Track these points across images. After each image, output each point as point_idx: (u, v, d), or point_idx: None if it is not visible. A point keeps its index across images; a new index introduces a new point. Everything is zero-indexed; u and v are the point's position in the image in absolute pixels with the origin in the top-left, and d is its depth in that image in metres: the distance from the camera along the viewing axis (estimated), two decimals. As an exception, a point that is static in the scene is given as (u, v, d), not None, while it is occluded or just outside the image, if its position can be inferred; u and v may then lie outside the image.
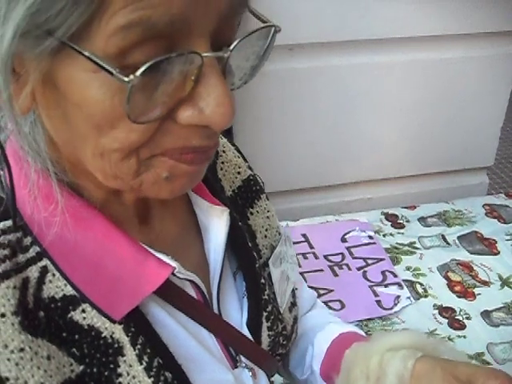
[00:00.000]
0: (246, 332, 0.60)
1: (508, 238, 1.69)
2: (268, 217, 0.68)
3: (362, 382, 0.59)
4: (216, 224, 0.58)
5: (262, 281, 0.64)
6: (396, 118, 1.98)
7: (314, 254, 1.63)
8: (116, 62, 0.36)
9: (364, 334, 0.74)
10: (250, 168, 0.69)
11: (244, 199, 0.66)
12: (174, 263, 0.49)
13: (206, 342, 0.55)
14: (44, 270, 0.45)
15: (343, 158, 2.00)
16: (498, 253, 1.63)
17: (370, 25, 1.74)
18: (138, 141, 0.39)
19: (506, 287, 1.50)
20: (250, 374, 0.60)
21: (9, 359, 0.41)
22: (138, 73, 0.35)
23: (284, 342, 0.68)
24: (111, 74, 0.35)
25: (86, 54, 0.35)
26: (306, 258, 1.61)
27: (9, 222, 0.44)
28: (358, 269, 1.57)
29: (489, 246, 1.65)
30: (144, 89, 0.37)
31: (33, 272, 0.44)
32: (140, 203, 0.53)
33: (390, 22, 1.75)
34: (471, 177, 2.20)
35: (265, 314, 0.63)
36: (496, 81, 1.99)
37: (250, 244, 0.63)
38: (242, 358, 0.59)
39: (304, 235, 1.71)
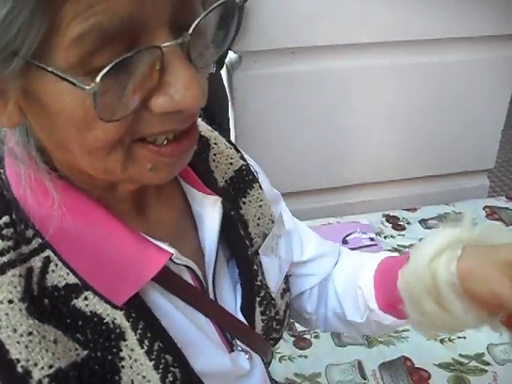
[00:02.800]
0: (240, 317, 0.62)
1: (508, 240, 1.70)
2: (261, 205, 0.69)
3: (426, 299, 0.59)
4: (210, 213, 0.60)
5: (255, 267, 0.65)
6: (398, 121, 1.99)
7: (315, 255, 1.65)
8: (80, 69, 0.37)
9: (393, 254, 0.76)
10: (242, 158, 0.71)
11: (236, 189, 0.67)
12: (171, 249, 0.51)
13: (203, 326, 0.57)
14: (47, 261, 0.47)
15: (345, 160, 2.02)
16: (499, 255, 1.64)
17: (372, 28, 1.76)
18: (116, 135, 0.41)
19: (506, 289, 1.51)
20: (247, 356, 0.62)
21: (18, 342, 0.43)
22: (98, 79, 0.37)
23: (277, 327, 0.70)
24: (74, 84, 0.37)
25: (49, 69, 0.37)
26: (307, 259, 1.62)
27: (9, 217, 0.46)
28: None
29: (489, 248, 1.66)
30: (110, 90, 0.38)
31: (36, 262, 0.46)
32: (135, 195, 0.55)
33: (392, 26, 1.77)
34: (472, 179, 2.21)
35: (258, 299, 0.65)
36: (497, 84, 2.01)
37: (242, 232, 0.65)
38: (238, 342, 0.61)
39: (306, 237, 1.72)
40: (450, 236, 0.60)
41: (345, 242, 1.70)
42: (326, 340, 1.35)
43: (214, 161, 0.66)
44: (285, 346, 1.35)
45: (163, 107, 0.41)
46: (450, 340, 1.35)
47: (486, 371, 1.27)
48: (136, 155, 0.44)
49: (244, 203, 0.67)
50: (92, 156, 0.43)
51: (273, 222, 0.70)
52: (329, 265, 0.80)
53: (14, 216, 0.46)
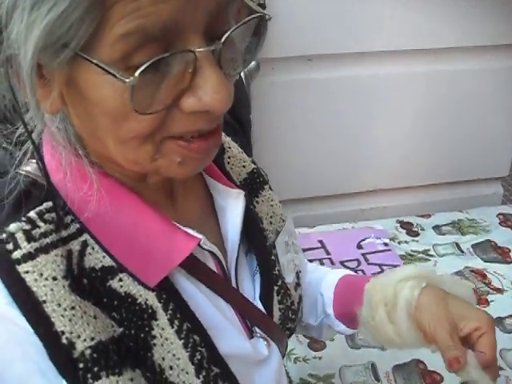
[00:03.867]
0: (259, 306, 0.66)
1: (521, 247, 1.71)
2: (272, 205, 0.73)
3: (382, 307, 0.70)
4: (233, 206, 0.63)
5: (272, 258, 0.69)
6: (412, 128, 2.01)
7: (330, 259, 1.67)
8: (122, 64, 0.41)
9: (352, 273, 0.88)
10: (253, 162, 0.75)
11: (250, 190, 0.71)
12: (199, 235, 0.55)
13: (225, 312, 0.60)
14: (84, 244, 0.50)
15: (360, 166, 2.04)
16: (512, 261, 1.66)
17: (387, 37, 1.79)
18: (149, 128, 0.45)
19: (519, 294, 1.53)
20: (265, 343, 0.65)
21: (63, 316, 0.46)
22: (136, 74, 0.41)
23: (293, 317, 0.73)
24: (115, 76, 0.41)
25: (94, 61, 0.41)
26: (322, 263, 1.65)
27: (50, 203, 0.50)
28: (373, 275, 1.59)
29: (502, 255, 1.68)
30: (146, 85, 0.42)
31: (74, 246, 0.50)
32: (165, 185, 0.58)
33: (406, 34, 1.80)
34: (486, 187, 2.22)
35: (275, 288, 0.68)
36: (510, 90, 2.02)
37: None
38: (257, 330, 0.65)
39: (320, 241, 1.75)
40: (420, 270, 0.73)
41: (359, 246, 1.73)
42: (340, 342, 1.37)
43: (228, 163, 0.71)
44: (300, 348, 1.37)
45: (192, 107, 0.45)
46: (463, 344, 1.36)
47: (499, 376, 1.28)
48: (166, 149, 0.48)
49: (257, 202, 0.72)
50: (125, 146, 0.47)
51: (283, 220, 0.75)
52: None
53: (52, 202, 0.50)
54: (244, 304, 0.63)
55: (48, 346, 0.45)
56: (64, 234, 0.50)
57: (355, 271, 1.62)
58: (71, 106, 0.48)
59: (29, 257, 0.47)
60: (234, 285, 0.63)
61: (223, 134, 0.72)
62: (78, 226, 0.51)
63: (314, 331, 0.89)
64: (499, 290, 1.55)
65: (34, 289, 0.46)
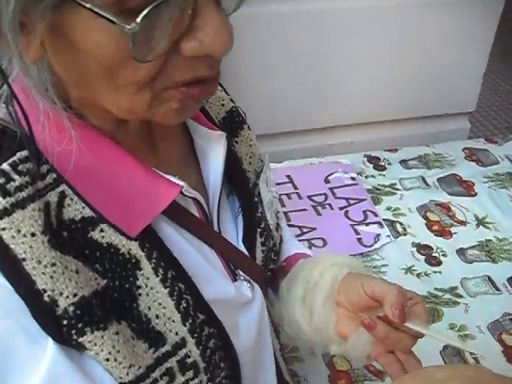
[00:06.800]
0: (242, 248, 0.65)
1: (485, 180, 1.74)
2: (251, 145, 0.72)
3: (301, 286, 0.68)
4: (214, 148, 0.61)
5: (255, 199, 0.68)
6: (379, 63, 1.99)
7: (297, 194, 1.68)
8: (116, 8, 0.38)
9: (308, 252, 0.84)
10: (232, 101, 0.73)
11: (228, 129, 0.69)
12: (181, 182, 0.53)
13: (208, 257, 0.59)
14: (62, 195, 0.48)
15: (326, 101, 2.02)
16: (476, 194, 1.69)
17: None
18: (147, 75, 0.42)
19: (481, 227, 1.57)
20: (249, 285, 0.64)
21: (44, 273, 0.44)
22: (138, 19, 0.38)
23: (275, 258, 0.73)
24: (113, 22, 0.38)
25: (87, 5, 0.38)
26: (290, 198, 1.65)
27: (25, 153, 0.47)
28: (341, 208, 1.62)
29: (467, 188, 1.71)
30: (145, 30, 0.39)
31: (52, 197, 0.47)
32: (143, 128, 0.56)
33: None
34: (453, 122, 2.24)
35: (259, 230, 0.68)
36: (479, 26, 2.00)
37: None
38: (240, 272, 0.64)
39: (288, 176, 1.74)
40: (349, 260, 0.72)
41: (327, 181, 1.73)
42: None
43: (207, 102, 0.68)
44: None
45: (193, 50, 0.42)
46: (426, 274, 1.40)
47: (459, 303, 1.33)
48: (165, 96, 0.45)
49: (236, 142, 0.69)
50: (119, 93, 0.44)
51: (262, 160, 0.73)
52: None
53: (27, 152, 0.47)
54: (227, 247, 0.62)
55: (30, 304, 0.44)
56: (40, 184, 0.47)
57: (323, 205, 1.63)
58: (54, 54, 0.44)
59: (4, 213, 0.44)
60: (216, 228, 0.62)
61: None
62: (54, 175, 0.48)
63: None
64: (462, 223, 1.58)
65: (12, 246, 0.44)
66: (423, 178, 1.75)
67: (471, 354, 1.21)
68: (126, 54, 0.40)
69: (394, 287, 0.61)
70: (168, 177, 0.53)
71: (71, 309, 0.45)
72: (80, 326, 0.46)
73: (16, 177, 0.45)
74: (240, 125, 0.71)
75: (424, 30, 1.95)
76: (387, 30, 1.92)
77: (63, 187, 0.48)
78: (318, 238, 1.49)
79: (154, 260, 0.51)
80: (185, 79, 0.45)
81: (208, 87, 0.47)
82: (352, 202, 1.64)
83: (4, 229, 0.44)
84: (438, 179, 1.75)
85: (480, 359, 1.20)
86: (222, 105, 0.70)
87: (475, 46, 2.05)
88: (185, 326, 0.53)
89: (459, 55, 2.06)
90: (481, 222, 1.58)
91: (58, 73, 0.46)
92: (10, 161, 0.46)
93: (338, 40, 1.89)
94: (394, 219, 1.59)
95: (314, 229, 1.53)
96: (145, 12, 0.38)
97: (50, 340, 0.45)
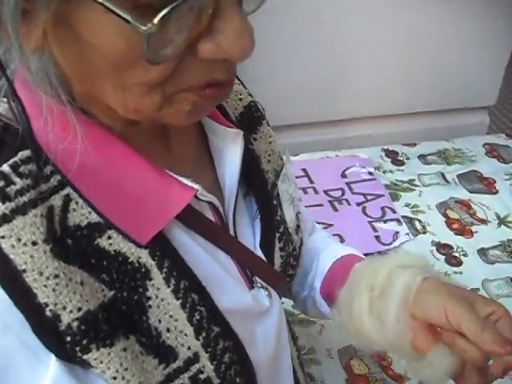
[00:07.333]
0: (259, 254, 0.61)
1: (507, 177, 1.69)
2: (270, 142, 0.68)
3: (366, 294, 0.60)
4: (231, 147, 0.57)
5: (274, 202, 0.64)
6: (400, 55, 1.94)
7: (314, 188, 1.64)
8: (130, 3, 0.35)
9: (363, 257, 0.75)
10: (250, 95, 0.69)
11: (247, 125, 0.65)
12: (196, 186, 0.49)
13: (224, 264, 0.56)
14: (67, 199, 0.44)
15: (344, 93, 1.98)
16: (497, 192, 1.64)
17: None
18: (158, 77, 0.39)
19: (502, 226, 1.52)
20: (266, 293, 0.61)
21: (46, 286, 0.41)
22: (156, 20, 0.35)
23: (294, 263, 0.69)
24: (128, 22, 0.35)
25: (99, 0, 0.35)
26: (306, 192, 1.61)
27: (27, 152, 0.43)
28: (358, 204, 1.58)
29: (488, 186, 1.66)
30: (162, 32, 0.36)
31: (56, 201, 0.44)
32: (156, 128, 0.52)
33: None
34: (472, 116, 2.19)
35: (277, 234, 0.64)
36: (501, 20, 1.95)
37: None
38: (257, 279, 0.60)
39: (304, 170, 1.70)
40: (424, 263, 0.63)
41: (343, 175, 1.69)
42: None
43: None
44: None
45: (210, 54, 0.39)
46: (447, 275, 1.36)
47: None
48: (176, 98, 0.42)
49: (255, 139, 0.65)
50: (126, 93, 0.41)
51: (281, 158, 0.69)
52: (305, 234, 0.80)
53: (30, 151, 0.43)
54: (244, 253, 0.59)
55: (30, 319, 0.41)
56: (44, 187, 0.43)
57: (339, 200, 1.59)
58: (58, 45, 0.40)
59: (3, 220, 0.41)
60: (231, 232, 0.58)
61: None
62: (59, 178, 0.44)
63: (300, 304, 0.81)
64: (483, 221, 1.53)
65: (12, 256, 0.40)
66: (443, 174, 1.71)
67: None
68: (137, 54, 0.37)
69: (489, 333, 0.52)
70: (182, 179, 0.49)
71: (75, 324, 0.42)
72: (85, 342, 0.43)
73: (17, 179, 0.42)
74: (259, 120, 0.67)
75: (445, 22, 1.90)
76: (406, 21, 1.87)
77: (68, 190, 0.44)
78: (335, 235, 1.45)
79: (165, 269, 0.48)
80: (199, 82, 0.41)
81: (225, 89, 0.44)
82: (370, 197, 1.60)
83: (3, 237, 0.41)
84: (458, 175, 1.70)
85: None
86: (240, 99, 0.66)
87: (497, 39, 2.00)
88: (198, 339, 0.50)
89: (480, 48, 2.01)
90: (502, 221, 1.53)
91: (62, 65, 0.42)
92: (10, 161, 0.43)
93: (358, 31, 1.84)
94: (413, 216, 1.55)
95: (331, 225, 1.49)
96: (164, 12, 0.35)
97: (53, 357, 0.42)
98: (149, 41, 0.36)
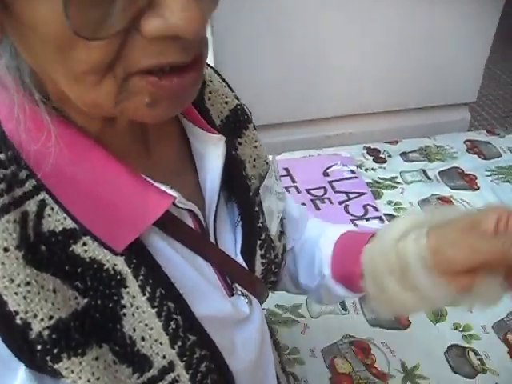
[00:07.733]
0: (240, 260, 0.60)
1: (488, 173, 1.70)
2: (256, 146, 0.66)
3: (388, 278, 0.58)
4: (212, 152, 0.56)
5: (256, 209, 0.63)
6: (379, 53, 1.94)
7: (296, 187, 1.63)
8: None
9: (357, 229, 0.75)
10: (237, 98, 0.67)
11: (232, 129, 0.63)
12: (174, 193, 0.48)
13: (203, 271, 0.54)
14: (42, 204, 0.43)
15: (325, 92, 1.97)
16: (478, 188, 1.65)
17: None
18: (102, 58, 0.36)
19: (484, 222, 1.52)
20: (246, 300, 0.60)
21: (16, 293, 0.40)
22: None
23: (276, 270, 0.68)
24: None
25: None
26: (288, 191, 1.60)
27: (1, 156, 0.41)
28: (340, 203, 1.58)
29: (469, 182, 1.67)
30: (90, 1, 0.33)
31: (31, 206, 0.42)
32: (135, 130, 0.50)
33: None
34: (453, 113, 2.20)
35: (259, 241, 0.62)
36: (481, 17, 1.96)
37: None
38: (238, 287, 0.59)
39: (286, 169, 1.70)
40: (414, 219, 0.59)
41: (326, 174, 1.68)
42: None
43: (209, 99, 0.62)
44: None
45: (155, 30, 0.35)
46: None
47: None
48: (132, 87, 0.39)
49: (240, 144, 0.64)
50: (79, 83, 0.38)
51: (267, 163, 0.67)
52: (302, 229, 0.79)
53: (4, 154, 0.42)
54: (223, 260, 0.57)
55: (1, 327, 0.39)
56: (18, 192, 0.41)
57: (322, 199, 1.58)
58: (13, 36, 0.38)
59: None
60: (212, 238, 0.56)
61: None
62: (34, 182, 0.42)
63: (313, 295, 0.80)
64: (465, 217, 1.54)
65: None
66: (424, 171, 1.71)
67: (476, 354, 1.18)
68: (70, 30, 0.33)
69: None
70: (159, 186, 0.47)
71: (46, 333, 0.41)
72: (55, 351, 0.41)
73: None
74: (245, 124, 0.65)
75: (425, 21, 1.91)
76: (387, 21, 1.87)
77: (43, 195, 0.43)
78: (318, 234, 1.44)
79: (141, 277, 0.46)
80: (151, 64, 0.37)
81: (185, 77, 0.40)
82: (352, 195, 1.60)
83: None
84: (440, 172, 1.71)
85: (485, 359, 1.17)
86: (226, 102, 0.64)
87: (477, 36, 2.01)
88: (173, 348, 0.48)
89: (460, 46, 2.01)
90: (484, 217, 1.54)
91: (26, 60, 0.40)
92: None
93: (338, 30, 1.84)
94: (395, 214, 1.55)
95: (314, 224, 1.48)
96: None
97: (22, 366, 0.41)
98: (66, 8, 0.32)
